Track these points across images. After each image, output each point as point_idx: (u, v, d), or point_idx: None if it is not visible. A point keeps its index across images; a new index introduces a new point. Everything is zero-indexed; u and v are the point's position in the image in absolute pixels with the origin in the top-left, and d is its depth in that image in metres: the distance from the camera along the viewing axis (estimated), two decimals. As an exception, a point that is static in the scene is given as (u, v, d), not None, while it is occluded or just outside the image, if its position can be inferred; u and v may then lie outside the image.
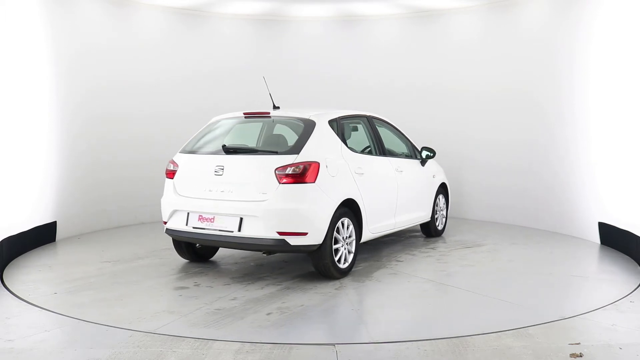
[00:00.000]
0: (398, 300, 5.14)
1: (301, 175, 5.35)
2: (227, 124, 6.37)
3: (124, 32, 8.90)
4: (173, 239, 6.22)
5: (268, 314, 4.68)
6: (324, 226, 5.44)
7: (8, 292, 5.28)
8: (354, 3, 9.45)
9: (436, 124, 9.77)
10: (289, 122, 6.23)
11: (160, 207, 6.06)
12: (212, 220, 5.55)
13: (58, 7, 7.69)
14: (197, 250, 6.41)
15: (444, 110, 9.73)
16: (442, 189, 8.12)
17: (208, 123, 6.43)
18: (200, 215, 5.63)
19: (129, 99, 8.95)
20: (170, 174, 6.01)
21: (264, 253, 5.75)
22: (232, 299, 5.06)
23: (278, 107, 6.47)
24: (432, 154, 7.61)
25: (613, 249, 7.01)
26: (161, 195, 6.16)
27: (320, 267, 5.64)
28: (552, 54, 8.17)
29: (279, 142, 6.11)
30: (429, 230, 7.93)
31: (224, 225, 5.48)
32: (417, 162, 7.50)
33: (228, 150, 5.74)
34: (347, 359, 3.77)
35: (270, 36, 10.26)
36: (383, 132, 7.03)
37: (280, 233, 5.29)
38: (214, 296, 5.16)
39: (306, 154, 5.47)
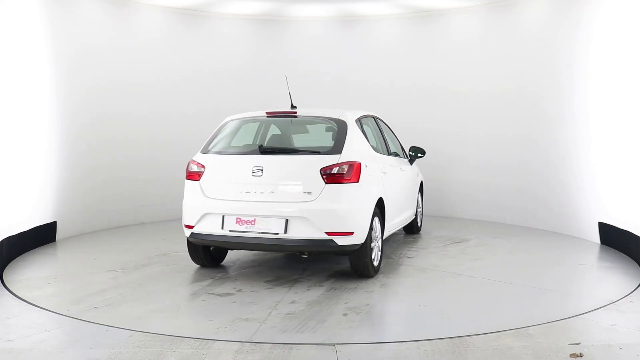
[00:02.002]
0: (452, 294, 5.32)
1: (346, 175, 5.35)
2: (248, 123, 6.28)
3: (124, 32, 8.90)
4: (189, 243, 5.92)
5: (345, 314, 4.66)
6: (367, 225, 5.47)
7: (8, 292, 5.27)
8: (354, 3, 9.45)
9: (436, 124, 9.78)
10: (318, 122, 6.23)
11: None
12: (252, 222, 5.35)
13: (58, 7, 7.69)
14: (212, 255, 6.17)
15: (444, 110, 9.73)
16: (421, 187, 8.31)
17: (224, 122, 6.21)
18: (238, 218, 5.40)
19: (129, 99, 8.94)
20: (195, 176, 5.72)
21: (302, 254, 5.69)
22: (292, 303, 4.95)
23: (295, 107, 6.37)
24: (422, 154, 7.66)
25: (613, 249, 7.01)
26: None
27: (359, 266, 5.64)
28: (552, 54, 8.17)
29: (312, 141, 6.13)
30: (412, 228, 8.06)
31: (267, 227, 5.31)
32: (407, 161, 7.62)
33: (265, 151, 5.66)
34: (347, 359, 3.77)
35: (270, 36, 10.26)
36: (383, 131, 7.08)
37: (329, 233, 5.24)
38: (271, 300, 5.01)
39: (347, 154, 5.46)
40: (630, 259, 6.51)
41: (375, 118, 6.91)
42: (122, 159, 8.86)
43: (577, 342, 4.00)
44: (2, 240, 6.12)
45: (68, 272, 6.03)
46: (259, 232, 5.34)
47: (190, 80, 9.69)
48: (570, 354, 3.78)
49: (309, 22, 10.30)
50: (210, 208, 5.52)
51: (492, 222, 9.14)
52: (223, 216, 5.46)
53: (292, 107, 6.35)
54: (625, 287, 5.42)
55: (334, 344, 4.01)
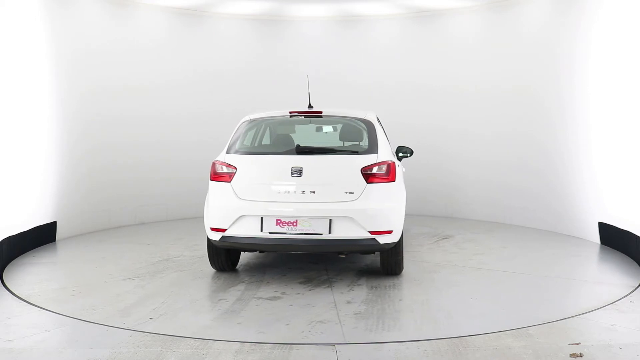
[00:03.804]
0: (489, 287, 5.54)
1: (385, 174, 5.43)
2: (271, 122, 6.27)
3: (124, 33, 8.89)
4: (211, 247, 5.76)
5: (411, 311, 4.78)
6: (402, 223, 5.55)
7: (8, 292, 5.28)
8: (354, 3, 9.45)
9: (436, 124, 9.78)
10: (343, 122, 6.28)
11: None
12: (294, 224, 5.27)
13: (58, 8, 7.69)
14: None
15: (444, 109, 9.73)
16: None
17: (245, 121, 6.06)
18: (278, 220, 5.29)
19: (129, 100, 8.94)
20: (224, 177, 5.55)
21: (341, 254, 5.71)
22: (348, 303, 4.96)
23: (312, 107, 6.37)
24: (410, 154, 7.68)
25: (613, 249, 7.01)
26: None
27: (391, 264, 5.72)
28: (552, 54, 8.17)
29: (340, 140, 6.19)
30: None
31: (311, 228, 5.26)
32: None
33: (302, 151, 5.61)
34: (347, 359, 3.77)
35: (270, 36, 10.25)
36: None
37: (372, 232, 5.27)
38: (325, 302, 4.99)
39: (383, 154, 5.56)
40: (630, 259, 6.51)
41: (377, 118, 6.94)
42: (122, 159, 8.86)
43: (577, 342, 4.00)
44: (2, 240, 6.13)
45: (85, 283, 5.60)
46: (301, 233, 5.27)
47: (190, 80, 9.68)
48: (570, 354, 3.78)
49: (308, 22, 10.30)
50: (247, 210, 5.36)
51: (492, 222, 9.13)
52: (261, 218, 5.33)
53: (310, 106, 6.36)
54: (625, 287, 5.42)
55: (334, 344, 4.01)
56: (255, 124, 6.12)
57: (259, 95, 9.88)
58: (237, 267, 6.19)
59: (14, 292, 5.26)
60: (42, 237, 7.25)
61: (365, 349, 3.94)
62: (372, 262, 6.40)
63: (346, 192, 5.32)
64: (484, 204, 9.40)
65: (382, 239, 5.31)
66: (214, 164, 5.70)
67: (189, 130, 9.67)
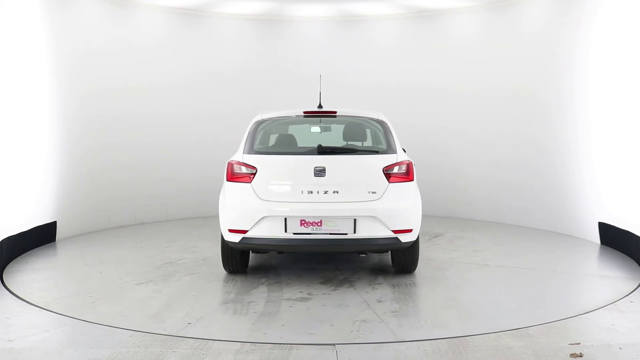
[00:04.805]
0: (504, 282, 5.70)
1: (405, 174, 5.52)
2: (285, 122, 6.31)
3: (124, 33, 8.88)
4: (226, 249, 5.70)
5: (445, 308, 4.88)
6: (420, 221, 5.61)
7: (8, 292, 5.28)
8: (354, 3, 9.45)
9: (436, 124, 9.77)
10: (358, 122, 6.30)
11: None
12: (319, 224, 5.28)
13: (58, 8, 7.68)
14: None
15: (444, 109, 9.73)
16: None
17: (258, 121, 5.97)
18: (302, 220, 5.28)
19: (129, 100, 8.94)
20: (244, 178, 5.47)
21: (361, 254, 5.77)
22: (379, 302, 5.01)
23: (322, 106, 6.37)
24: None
25: (613, 249, 7.01)
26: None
27: (407, 262, 5.82)
28: (552, 54, 8.17)
29: (358, 141, 6.30)
30: None
31: (335, 228, 5.27)
32: None
33: (324, 151, 5.59)
34: (347, 359, 3.77)
35: (270, 36, 10.25)
36: None
37: (395, 231, 5.34)
38: (355, 301, 5.04)
39: (401, 154, 5.68)
40: (630, 259, 6.51)
41: None
42: (122, 159, 8.86)
43: (577, 342, 4.00)
44: (2, 240, 6.13)
45: (98, 288, 5.43)
46: (326, 233, 5.29)
47: (190, 80, 9.68)
48: (570, 354, 3.78)
49: (308, 22, 10.30)
50: (270, 211, 5.32)
51: (492, 222, 9.13)
52: (285, 218, 5.30)
53: (319, 106, 6.39)
54: (625, 287, 5.43)
55: (334, 344, 4.01)
56: (268, 123, 6.09)
57: (259, 95, 9.88)
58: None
59: (14, 292, 5.26)
60: (42, 237, 7.25)
61: (365, 349, 3.94)
62: (380, 261, 6.44)
63: (369, 192, 5.38)
64: (484, 203, 9.40)
65: (404, 238, 5.38)
66: (231, 165, 5.59)
67: (189, 130, 9.66)
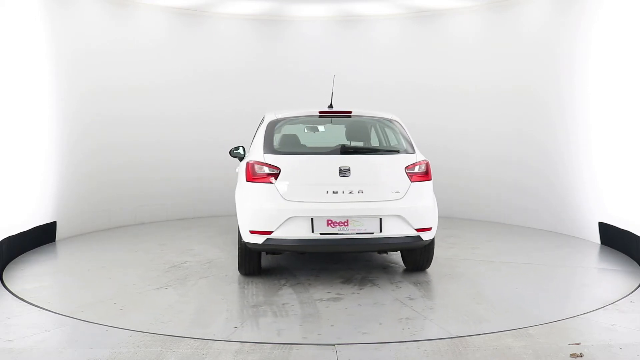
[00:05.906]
0: (516, 277, 5.83)
1: (425, 173, 5.65)
2: (301, 122, 6.39)
3: (125, 33, 8.89)
4: (244, 251, 5.61)
5: (478, 303, 4.97)
6: (437, 219, 5.67)
7: (8, 292, 5.28)
8: (354, 3, 9.45)
9: (436, 124, 9.77)
10: (372, 122, 6.41)
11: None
12: (345, 224, 5.28)
13: (58, 8, 7.68)
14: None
15: (444, 109, 9.73)
16: None
17: (272, 120, 5.85)
18: (329, 220, 5.26)
19: (129, 100, 8.94)
20: (266, 178, 5.36)
21: (380, 252, 5.83)
22: (410, 299, 5.10)
23: (332, 106, 6.35)
24: None
25: (613, 249, 7.01)
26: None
27: (423, 260, 5.91)
28: (552, 54, 8.17)
29: (369, 140, 6.40)
30: None
31: (362, 227, 5.29)
32: None
33: (347, 151, 5.66)
34: (347, 359, 3.77)
35: (270, 36, 10.25)
36: None
37: (418, 230, 5.42)
38: (386, 299, 5.09)
39: (419, 153, 5.76)
40: (630, 259, 6.51)
41: None
42: (122, 159, 8.86)
43: (577, 342, 4.00)
44: (2, 240, 6.13)
45: (119, 294, 5.25)
46: (353, 233, 5.30)
47: (190, 80, 9.68)
48: (570, 354, 3.78)
49: (308, 22, 10.30)
50: (296, 211, 5.27)
51: (492, 222, 9.14)
52: (312, 219, 5.27)
53: (330, 106, 6.35)
54: (625, 287, 5.43)
55: (334, 344, 4.01)
56: (283, 123, 6.02)
57: (259, 95, 9.88)
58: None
59: (14, 292, 5.26)
60: (42, 237, 7.25)
61: (365, 349, 3.94)
62: (384, 258, 6.51)
63: (393, 191, 5.43)
64: (484, 203, 9.40)
65: (425, 236, 5.48)
66: (252, 165, 5.47)
67: (189, 130, 9.66)
